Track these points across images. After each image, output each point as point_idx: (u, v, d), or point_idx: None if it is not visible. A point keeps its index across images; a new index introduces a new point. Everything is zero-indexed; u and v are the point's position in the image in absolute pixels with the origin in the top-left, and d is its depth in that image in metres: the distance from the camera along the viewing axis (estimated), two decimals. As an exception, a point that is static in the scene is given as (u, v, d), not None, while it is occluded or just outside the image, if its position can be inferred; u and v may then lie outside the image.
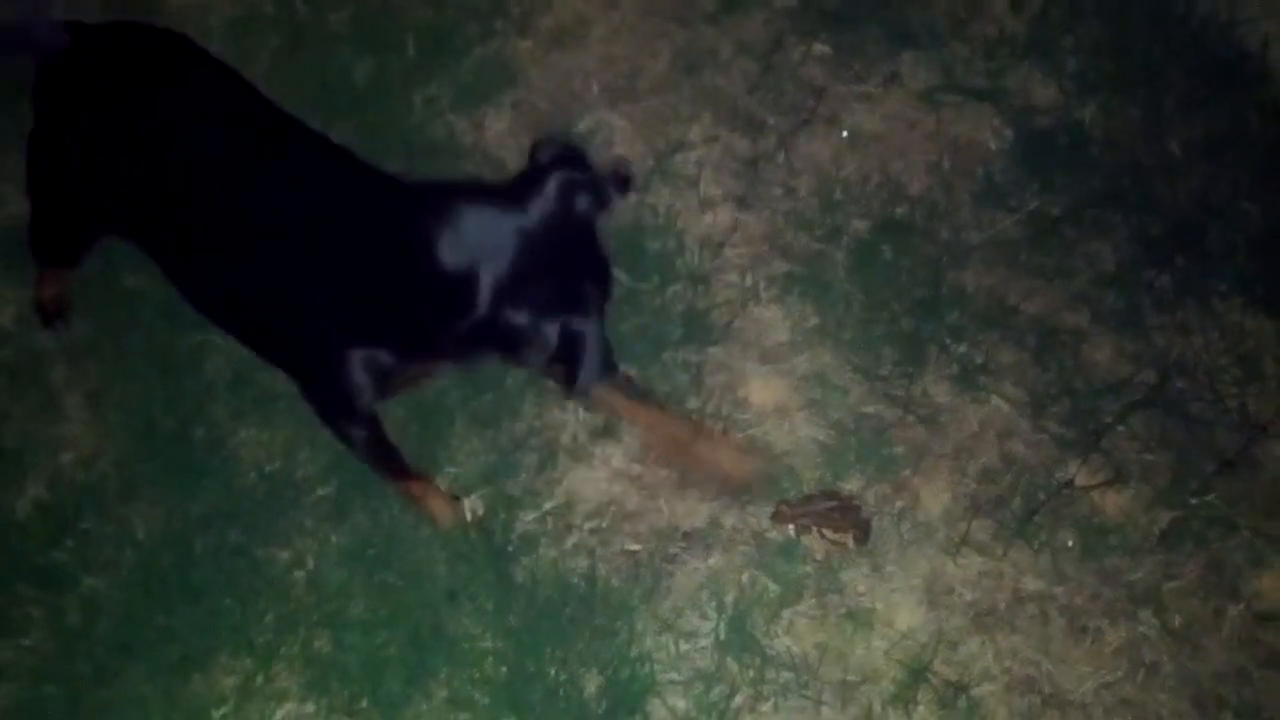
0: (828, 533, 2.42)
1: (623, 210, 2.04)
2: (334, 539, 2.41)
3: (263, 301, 2.12)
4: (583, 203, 1.94)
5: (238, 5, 3.05)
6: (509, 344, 1.94)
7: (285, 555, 2.39)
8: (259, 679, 2.27)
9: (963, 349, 2.69)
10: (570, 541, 2.43)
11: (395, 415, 2.44)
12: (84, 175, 2.22)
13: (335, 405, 2.21)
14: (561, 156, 1.98)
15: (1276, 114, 3.10)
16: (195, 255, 2.17)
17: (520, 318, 1.90)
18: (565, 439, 2.53)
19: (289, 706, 2.25)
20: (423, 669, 2.29)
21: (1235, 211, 2.95)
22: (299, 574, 2.37)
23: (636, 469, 2.52)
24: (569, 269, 1.95)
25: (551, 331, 1.90)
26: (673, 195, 2.86)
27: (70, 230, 2.43)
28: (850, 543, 2.42)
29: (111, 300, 2.61)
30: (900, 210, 2.87)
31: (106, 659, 2.27)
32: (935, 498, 2.51)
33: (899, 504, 2.49)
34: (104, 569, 2.35)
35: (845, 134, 3.00)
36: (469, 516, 2.42)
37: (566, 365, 1.93)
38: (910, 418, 2.60)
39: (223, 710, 2.23)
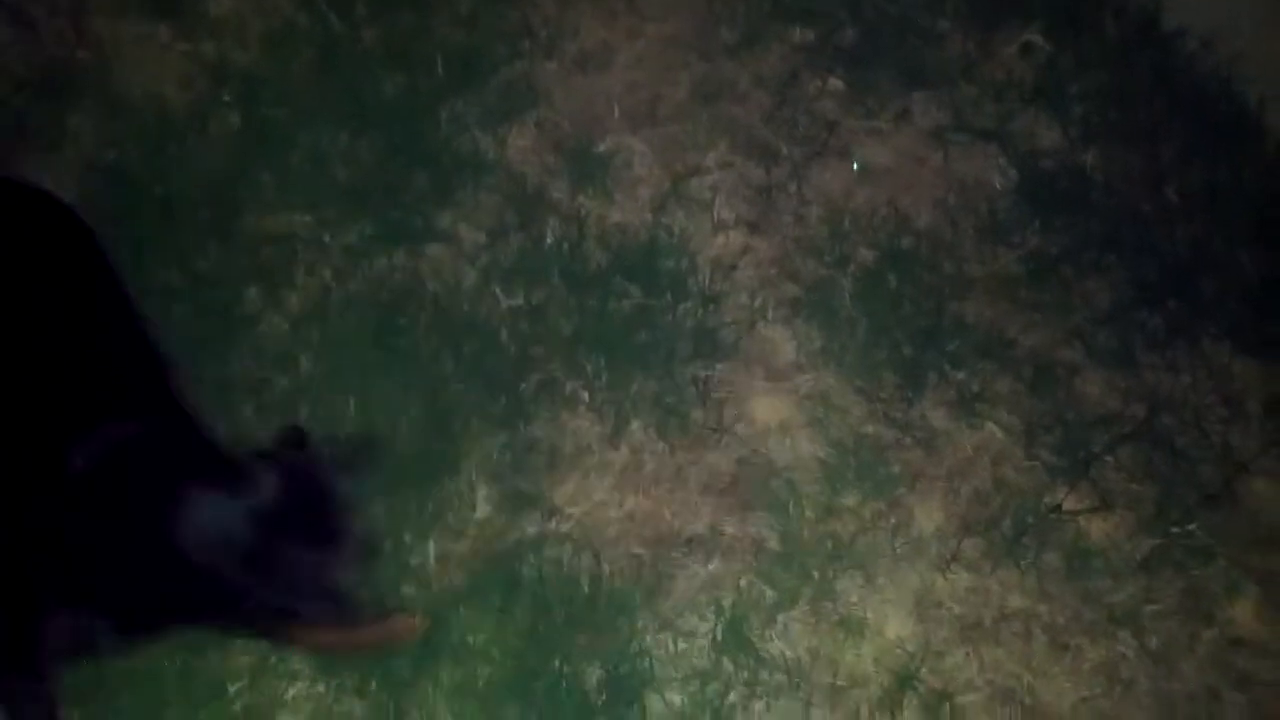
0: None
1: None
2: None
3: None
4: (319, 475, 1.91)
5: (273, 17, 3.14)
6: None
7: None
8: (273, 659, 2.34)
9: (961, 377, 2.79)
10: (575, 543, 2.52)
11: (412, 418, 2.54)
12: None
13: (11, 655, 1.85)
14: (291, 439, 1.98)
15: (1270, 169, 3.21)
16: None
17: (277, 597, 1.83)
18: (576, 444, 2.63)
19: (300, 685, 2.33)
20: (431, 657, 2.36)
21: (1228, 260, 3.05)
22: (315, 560, 2.45)
23: (643, 476, 2.62)
24: (311, 537, 1.86)
25: (310, 594, 1.84)
26: (687, 218, 2.97)
27: None
28: None
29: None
30: (906, 242, 2.98)
31: (128, 632, 2.35)
32: (929, 516, 2.61)
33: (893, 520, 2.59)
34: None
35: (856, 166, 3.11)
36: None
37: (334, 607, 1.88)
38: (908, 439, 2.70)
39: (238, 685, 2.31)
